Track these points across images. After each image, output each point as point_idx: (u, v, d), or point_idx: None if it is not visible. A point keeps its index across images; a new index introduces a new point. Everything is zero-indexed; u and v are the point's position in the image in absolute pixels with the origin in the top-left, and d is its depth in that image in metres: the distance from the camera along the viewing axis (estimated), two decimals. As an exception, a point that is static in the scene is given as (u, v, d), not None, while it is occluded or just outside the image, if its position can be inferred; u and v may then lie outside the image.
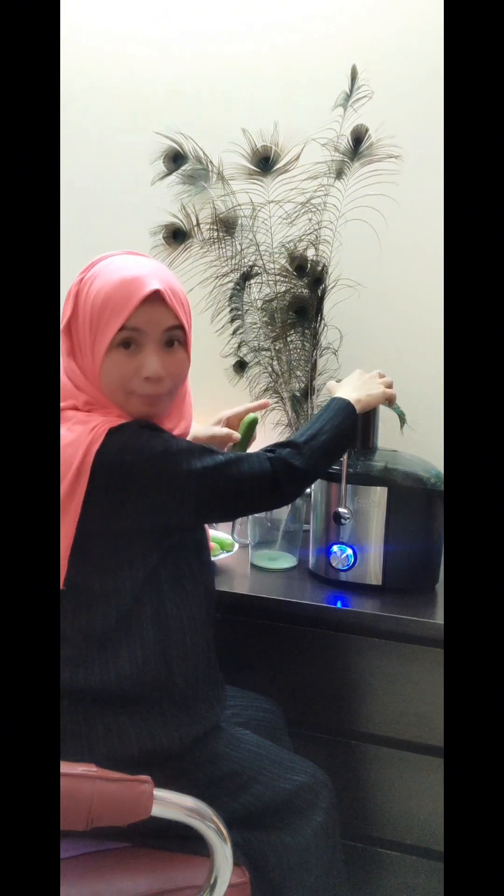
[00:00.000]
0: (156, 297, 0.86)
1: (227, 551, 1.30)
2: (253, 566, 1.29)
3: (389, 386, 1.14)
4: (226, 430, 1.16)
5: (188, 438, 1.02)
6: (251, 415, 1.18)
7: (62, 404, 0.90)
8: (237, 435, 1.17)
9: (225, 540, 1.33)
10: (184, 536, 0.93)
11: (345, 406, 1.03)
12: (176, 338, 0.89)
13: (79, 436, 0.84)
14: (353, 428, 1.03)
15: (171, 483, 0.84)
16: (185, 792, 0.73)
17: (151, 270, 0.88)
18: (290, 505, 1.26)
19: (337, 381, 1.16)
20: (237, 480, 0.88)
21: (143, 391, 0.88)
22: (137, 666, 0.88)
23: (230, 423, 1.21)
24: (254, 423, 1.18)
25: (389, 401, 1.14)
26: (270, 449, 0.95)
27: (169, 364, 0.88)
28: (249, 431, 1.18)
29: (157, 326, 0.87)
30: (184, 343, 0.91)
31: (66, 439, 0.84)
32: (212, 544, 1.25)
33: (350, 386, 1.10)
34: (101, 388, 0.88)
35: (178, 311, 0.88)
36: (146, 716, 0.88)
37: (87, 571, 0.86)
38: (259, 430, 1.21)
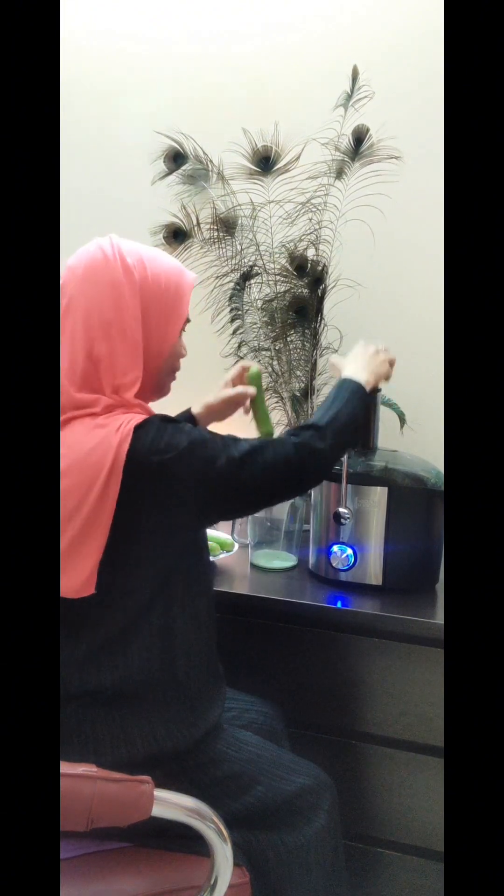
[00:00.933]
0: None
1: (227, 551, 1.29)
2: (253, 566, 1.29)
3: (391, 363, 1.13)
4: (239, 389, 1.14)
5: (203, 408, 1.15)
6: (254, 367, 1.15)
7: (78, 412, 0.86)
8: (252, 389, 1.13)
9: (225, 540, 1.33)
10: (188, 536, 0.92)
11: (358, 388, 1.03)
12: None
13: (103, 439, 0.81)
14: (365, 412, 1.05)
15: (200, 479, 0.83)
16: (186, 792, 0.73)
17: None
18: (289, 504, 1.27)
19: (341, 356, 1.14)
20: (264, 468, 0.87)
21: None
22: (145, 665, 0.88)
23: (234, 384, 1.18)
24: (259, 374, 1.16)
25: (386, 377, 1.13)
26: (294, 432, 0.94)
27: None
28: (260, 383, 1.15)
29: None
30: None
31: (86, 444, 0.82)
32: (211, 544, 1.25)
33: (357, 364, 1.08)
34: (159, 369, 0.93)
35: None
36: (151, 715, 0.88)
37: (105, 571, 0.84)
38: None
